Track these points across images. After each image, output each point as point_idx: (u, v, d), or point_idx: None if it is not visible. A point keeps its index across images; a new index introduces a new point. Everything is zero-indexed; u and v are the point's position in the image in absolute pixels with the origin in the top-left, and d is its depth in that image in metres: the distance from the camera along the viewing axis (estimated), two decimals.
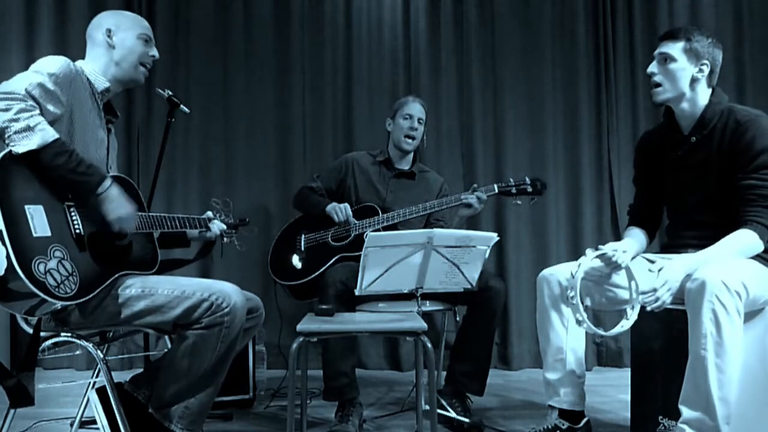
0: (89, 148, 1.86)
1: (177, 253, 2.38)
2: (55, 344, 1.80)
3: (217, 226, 2.22)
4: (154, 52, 2.03)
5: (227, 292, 1.78)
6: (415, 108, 2.95)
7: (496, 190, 2.68)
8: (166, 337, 2.03)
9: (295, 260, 2.81)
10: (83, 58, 1.99)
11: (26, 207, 1.60)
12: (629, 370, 2.30)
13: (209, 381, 1.82)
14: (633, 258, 2.19)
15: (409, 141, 2.92)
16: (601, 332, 1.98)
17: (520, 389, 3.20)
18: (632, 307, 2.01)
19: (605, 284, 2.17)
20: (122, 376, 2.01)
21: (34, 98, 1.66)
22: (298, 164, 3.75)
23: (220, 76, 3.76)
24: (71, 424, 2.18)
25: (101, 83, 1.94)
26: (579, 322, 1.97)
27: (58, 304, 1.60)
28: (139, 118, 3.68)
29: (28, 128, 1.61)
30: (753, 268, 1.92)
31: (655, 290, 1.88)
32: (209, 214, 2.25)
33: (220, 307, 1.75)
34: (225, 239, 2.30)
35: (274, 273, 2.88)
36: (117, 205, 1.77)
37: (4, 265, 1.52)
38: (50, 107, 1.71)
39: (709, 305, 1.76)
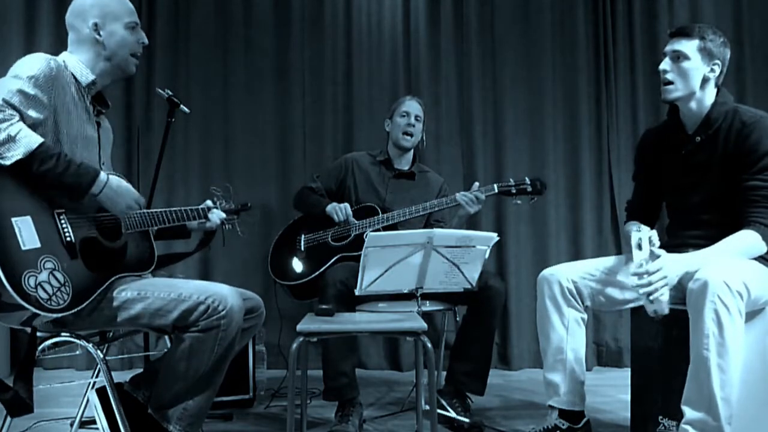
0: (77, 147, 1.81)
1: (178, 245, 2.36)
2: (55, 344, 1.80)
3: (216, 215, 2.15)
4: (143, 38, 1.94)
5: (223, 294, 1.75)
6: (412, 106, 2.95)
7: (496, 190, 2.68)
8: (166, 336, 2.03)
9: (296, 264, 2.80)
10: None
11: (13, 220, 1.57)
12: (629, 370, 2.30)
13: (207, 383, 1.81)
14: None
15: (407, 138, 2.92)
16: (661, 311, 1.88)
17: (520, 389, 3.20)
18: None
19: (605, 284, 2.17)
20: (122, 376, 2.01)
21: (13, 106, 1.62)
22: (298, 164, 3.75)
23: (220, 76, 3.76)
24: (71, 424, 2.17)
25: (87, 77, 1.86)
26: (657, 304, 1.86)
27: (52, 317, 1.58)
28: (139, 118, 3.68)
29: (10, 138, 1.57)
30: (754, 268, 1.92)
31: (648, 273, 1.84)
32: (208, 203, 2.19)
33: (217, 310, 1.73)
34: (227, 226, 2.22)
35: (274, 273, 2.87)
36: (119, 199, 1.75)
37: None
38: (32, 113, 1.66)
39: (711, 305, 1.76)
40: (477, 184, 2.73)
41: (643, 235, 1.93)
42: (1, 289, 1.50)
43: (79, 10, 1.88)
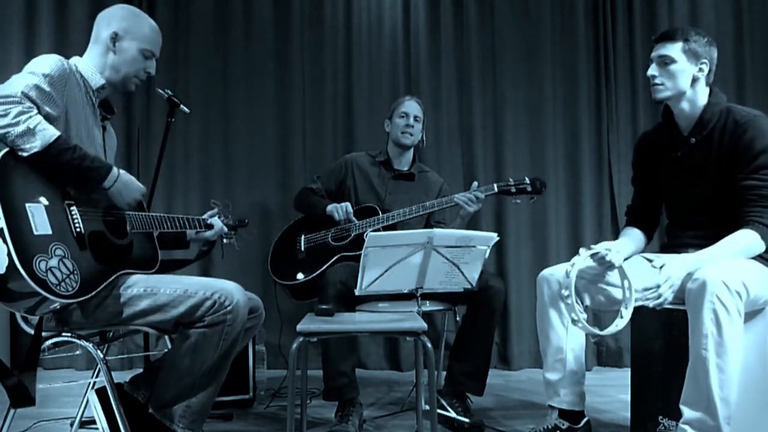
0: (85, 148, 1.82)
1: (177, 254, 2.38)
2: (56, 344, 1.80)
3: (217, 223, 2.22)
4: (152, 69, 1.98)
5: (229, 290, 1.78)
6: (411, 106, 2.95)
7: (496, 190, 2.68)
8: (166, 337, 2.03)
9: (296, 264, 2.80)
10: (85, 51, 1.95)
11: (27, 205, 1.60)
12: (629, 370, 2.30)
13: (211, 380, 1.82)
14: (629, 257, 2.19)
15: (407, 135, 2.93)
16: (596, 331, 1.98)
17: (520, 389, 3.20)
18: (625, 307, 2.01)
19: (602, 283, 2.17)
20: (122, 376, 2.01)
21: (31, 99, 1.65)
22: (298, 164, 3.76)
23: (220, 76, 3.76)
24: (71, 424, 2.18)
25: (97, 80, 1.91)
26: (574, 321, 1.97)
27: (59, 302, 1.59)
28: (139, 118, 3.69)
29: (29, 130, 1.61)
30: (753, 268, 1.93)
31: (658, 286, 1.88)
32: (209, 214, 2.25)
33: (223, 306, 1.75)
34: (225, 240, 2.30)
35: (275, 274, 2.87)
36: (128, 193, 1.83)
37: (5, 263, 1.51)
38: (47, 108, 1.70)
39: (709, 305, 1.76)
40: (476, 183, 2.73)
41: (577, 260, 2.00)
42: (11, 272, 1.52)
43: (111, 14, 1.94)
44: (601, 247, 2.05)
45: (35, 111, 1.65)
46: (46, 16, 3.60)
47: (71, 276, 1.62)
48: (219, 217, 2.27)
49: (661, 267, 1.91)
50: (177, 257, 2.29)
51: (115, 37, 1.90)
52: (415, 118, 2.94)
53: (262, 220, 3.64)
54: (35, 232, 1.59)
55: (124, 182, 1.82)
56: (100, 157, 1.79)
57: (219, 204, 2.33)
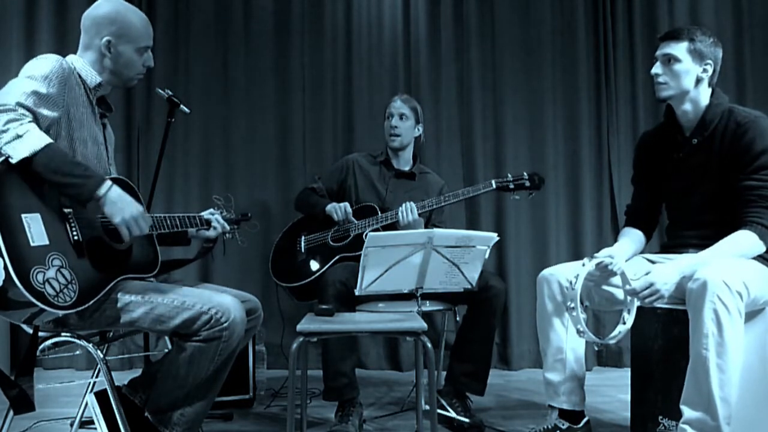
0: (88, 146, 1.83)
1: (178, 252, 2.37)
2: (55, 344, 1.80)
3: (217, 222, 2.18)
4: (149, 61, 1.96)
5: (227, 306, 1.75)
6: (394, 105, 2.94)
7: (494, 186, 2.68)
8: (167, 337, 2.03)
9: (298, 266, 2.79)
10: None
11: (23, 216, 1.58)
12: (629, 370, 2.30)
13: (206, 390, 1.82)
14: (630, 259, 2.19)
15: (393, 138, 2.92)
16: (601, 341, 1.98)
17: (520, 389, 3.20)
18: (628, 312, 2.01)
19: (603, 285, 2.17)
20: (122, 376, 2.01)
21: (27, 108, 1.62)
22: (298, 164, 3.76)
23: (220, 76, 3.76)
24: (71, 424, 2.17)
25: (94, 79, 1.88)
26: (580, 333, 1.96)
27: (59, 313, 1.59)
28: (139, 118, 3.69)
29: (17, 137, 1.57)
30: (754, 268, 1.93)
31: (635, 292, 1.91)
32: (210, 211, 2.22)
33: (219, 322, 1.73)
34: (227, 235, 2.26)
35: (275, 275, 2.87)
36: (120, 207, 1.71)
37: (2, 276, 1.50)
38: (46, 111, 1.67)
39: (710, 305, 1.76)
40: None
41: (581, 271, 1.98)
42: (9, 284, 1.51)
43: (99, 19, 1.88)
44: (603, 255, 2.04)
45: (28, 119, 1.61)
46: (46, 16, 3.59)
47: (69, 286, 1.60)
48: (221, 213, 2.25)
49: (646, 273, 1.93)
50: (177, 257, 2.28)
51: (109, 44, 1.86)
52: (401, 116, 2.91)
53: (263, 219, 3.63)
54: (32, 244, 1.56)
55: (118, 194, 1.71)
56: (93, 169, 1.73)
57: (220, 199, 2.30)
